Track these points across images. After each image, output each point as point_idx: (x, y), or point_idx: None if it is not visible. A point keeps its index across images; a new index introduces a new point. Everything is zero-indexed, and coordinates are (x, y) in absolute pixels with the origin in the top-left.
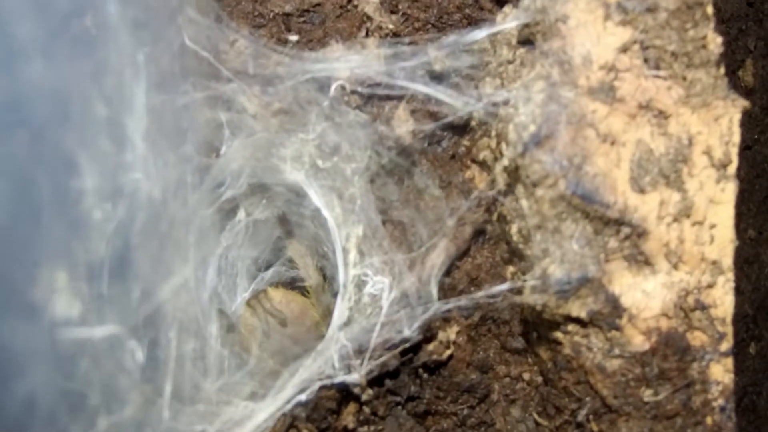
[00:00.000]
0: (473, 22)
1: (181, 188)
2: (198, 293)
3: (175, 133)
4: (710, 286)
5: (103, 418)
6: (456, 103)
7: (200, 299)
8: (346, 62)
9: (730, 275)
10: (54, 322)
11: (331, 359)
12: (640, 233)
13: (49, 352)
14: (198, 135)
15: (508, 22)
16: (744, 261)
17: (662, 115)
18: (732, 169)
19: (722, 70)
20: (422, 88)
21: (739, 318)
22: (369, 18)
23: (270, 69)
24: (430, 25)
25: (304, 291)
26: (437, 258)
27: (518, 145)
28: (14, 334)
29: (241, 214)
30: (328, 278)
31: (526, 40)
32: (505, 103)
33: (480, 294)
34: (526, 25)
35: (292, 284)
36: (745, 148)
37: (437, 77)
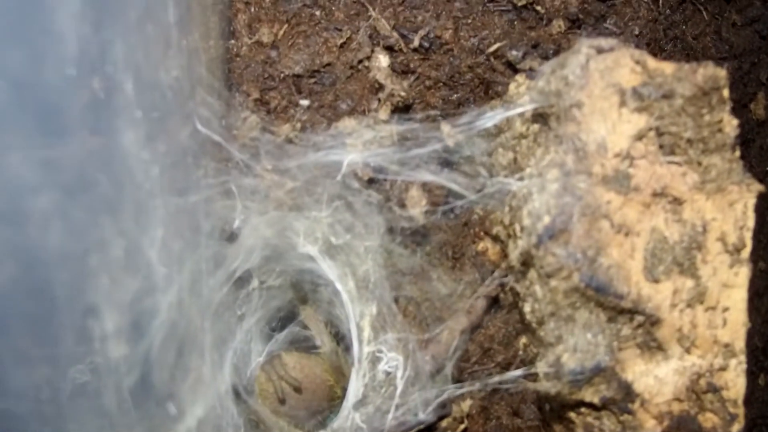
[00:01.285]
0: (484, 83)
1: (196, 282)
2: (216, 387)
3: (191, 231)
4: (722, 368)
5: None
6: (468, 192)
7: (218, 393)
8: (359, 139)
9: (742, 357)
10: None
11: None
12: (653, 321)
13: None
14: (211, 222)
15: (523, 104)
16: (754, 293)
17: (677, 202)
18: (746, 253)
19: (737, 153)
20: (435, 177)
21: (749, 350)
22: (381, 85)
23: (282, 146)
24: (441, 84)
25: (319, 352)
26: (452, 333)
27: (533, 236)
28: None
29: (254, 283)
30: (341, 341)
31: (540, 117)
32: (519, 189)
33: (495, 380)
34: (541, 107)
35: (307, 344)
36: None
37: (449, 163)
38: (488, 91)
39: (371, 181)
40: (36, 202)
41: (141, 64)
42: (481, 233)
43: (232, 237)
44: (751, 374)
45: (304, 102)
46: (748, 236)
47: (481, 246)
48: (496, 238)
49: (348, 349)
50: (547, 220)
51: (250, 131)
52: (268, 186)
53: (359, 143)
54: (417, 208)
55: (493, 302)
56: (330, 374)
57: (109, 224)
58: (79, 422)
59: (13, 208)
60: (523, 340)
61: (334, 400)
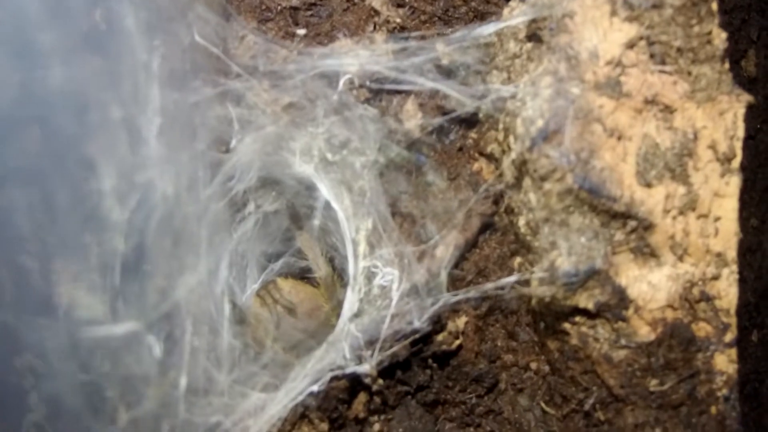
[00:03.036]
0: (479, 15)
1: (193, 184)
2: (211, 287)
3: (187, 131)
4: (715, 277)
5: (123, 413)
6: (464, 97)
7: (213, 293)
8: (355, 57)
9: (734, 267)
10: (77, 322)
11: (342, 350)
12: (646, 226)
13: (72, 352)
14: (208, 131)
15: (516, 17)
16: (747, 250)
17: (668, 110)
18: (736, 162)
19: (727, 65)
20: (430, 83)
21: (741, 306)
22: (376, 12)
23: (279, 64)
24: (436, 18)
25: (313, 282)
26: (446, 250)
27: (526, 140)
28: (40, 335)
29: (250, 207)
30: (337, 269)
31: (533, 35)
32: (513, 97)
33: (489, 286)
34: (534, 20)
35: (302, 275)
36: (747, 138)
37: (445, 72)
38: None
39: (368, 96)
40: (43, 40)
41: None
42: (476, 154)
43: (228, 150)
44: (744, 330)
45: (301, 31)
46: (738, 146)
47: (476, 166)
48: (490, 157)
49: (343, 276)
50: (540, 123)
51: (248, 51)
52: (264, 101)
53: (356, 60)
54: (412, 121)
55: (488, 221)
56: (325, 300)
57: (109, 89)
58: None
59: (21, 40)
60: (518, 259)
61: (328, 325)
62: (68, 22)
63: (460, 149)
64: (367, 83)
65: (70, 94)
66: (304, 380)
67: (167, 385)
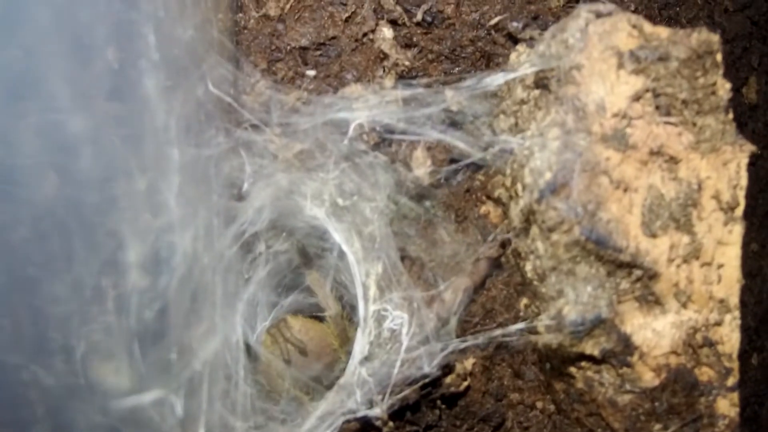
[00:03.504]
0: (485, 56)
1: (208, 235)
2: (227, 337)
3: (203, 184)
4: (717, 323)
5: None
6: (471, 149)
7: (228, 342)
8: (365, 104)
9: (737, 313)
10: (107, 395)
11: (354, 394)
12: (651, 275)
13: (105, 425)
14: (222, 180)
15: (524, 68)
16: (747, 274)
17: (673, 161)
18: (739, 211)
19: (731, 116)
20: (440, 135)
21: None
22: (385, 54)
23: (289, 110)
24: (443, 57)
25: (323, 319)
26: (455, 295)
27: (534, 191)
28: (76, 413)
29: (261, 247)
30: (346, 307)
31: (541, 83)
32: (520, 147)
33: (497, 332)
34: (541, 71)
35: (311, 312)
36: (749, 164)
37: (453, 122)
38: (489, 63)
39: (378, 143)
40: (71, 126)
41: (161, 17)
42: (483, 197)
43: (241, 197)
44: (744, 354)
45: (311, 72)
46: (741, 195)
47: (483, 209)
48: (497, 201)
49: (352, 315)
50: (548, 175)
51: (260, 96)
52: (276, 148)
53: (365, 106)
54: (422, 169)
55: (495, 264)
56: (335, 338)
57: (133, 159)
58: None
59: (49, 124)
60: (524, 300)
61: (338, 364)
62: (89, 92)
63: (468, 191)
64: (377, 129)
65: (96, 166)
66: (318, 423)
67: None
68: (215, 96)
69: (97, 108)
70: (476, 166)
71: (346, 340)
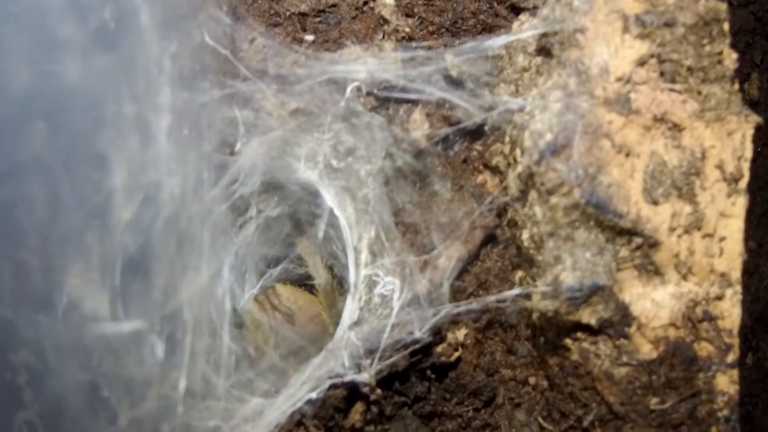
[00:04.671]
0: (487, 28)
1: (199, 185)
2: (213, 289)
3: (195, 131)
4: (718, 297)
5: (124, 413)
6: (472, 108)
7: (215, 295)
8: (364, 64)
9: (738, 288)
10: (84, 318)
11: (342, 358)
12: (651, 244)
13: (74, 349)
14: (215, 132)
15: (526, 31)
16: (744, 272)
17: (676, 128)
18: (743, 183)
19: (736, 86)
20: (439, 92)
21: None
22: (385, 21)
23: (287, 68)
24: (444, 30)
25: (312, 290)
26: (449, 261)
27: (534, 153)
28: (39, 331)
29: (252, 211)
30: (336, 278)
31: (543, 49)
32: (521, 110)
33: (492, 298)
34: (544, 35)
35: (301, 282)
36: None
37: (454, 83)
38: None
39: (375, 104)
40: (59, 33)
41: None
42: (480, 166)
43: (233, 153)
44: (740, 353)
45: (309, 38)
46: (745, 167)
47: (480, 178)
48: (495, 170)
49: (343, 286)
50: (549, 136)
51: (257, 54)
52: (272, 106)
53: (364, 66)
54: (419, 131)
55: (491, 234)
56: (324, 309)
57: (124, 85)
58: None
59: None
60: (520, 273)
61: (326, 335)
62: (83, 17)
63: (465, 161)
64: (375, 91)
65: (85, 89)
66: (303, 387)
67: (167, 386)
68: (211, 48)
69: (89, 30)
70: (474, 135)
71: (335, 312)
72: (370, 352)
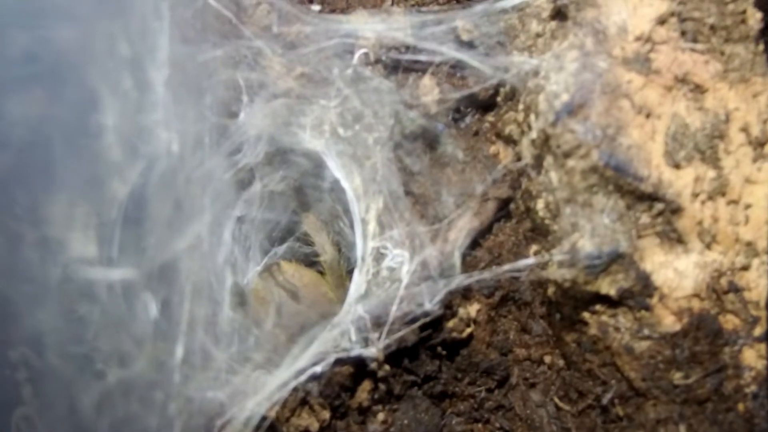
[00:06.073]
0: None
1: (198, 147)
2: (213, 257)
3: (195, 89)
4: (744, 268)
5: (113, 370)
6: (484, 68)
7: (215, 262)
8: (373, 27)
9: (765, 258)
10: (69, 259)
11: (348, 331)
12: (673, 210)
13: (61, 290)
14: (216, 95)
15: None
16: None
17: (699, 90)
18: None
19: (761, 46)
20: (450, 52)
21: None
22: None
23: (294, 33)
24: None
25: (318, 268)
26: (460, 233)
27: (549, 115)
28: (27, 268)
29: (256, 185)
30: (344, 255)
31: (558, 13)
32: (535, 73)
33: (506, 267)
34: None
35: (307, 262)
36: None
37: (465, 44)
38: None
39: (383, 72)
40: None
41: None
42: (493, 137)
43: (235, 118)
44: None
45: (316, 7)
46: None
47: (492, 149)
48: (508, 140)
49: (349, 264)
50: (565, 96)
51: (263, 17)
52: (276, 70)
53: (372, 30)
54: (429, 96)
55: (504, 206)
56: (330, 288)
57: (119, 25)
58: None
59: None
60: (534, 247)
61: (332, 314)
62: None
63: (476, 133)
64: (383, 58)
65: (76, 18)
66: (306, 360)
67: (162, 351)
68: (215, 9)
69: None
70: (485, 107)
71: (342, 290)
72: (378, 326)
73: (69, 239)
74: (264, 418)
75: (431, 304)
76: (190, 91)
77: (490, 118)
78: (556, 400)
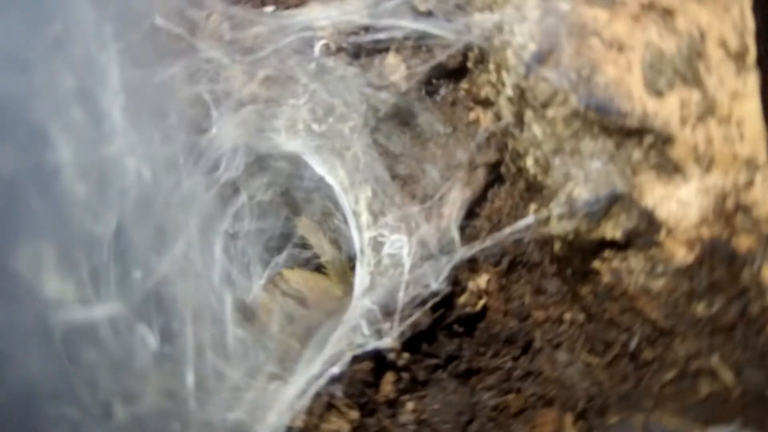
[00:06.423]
0: None
1: (172, 169)
2: (207, 277)
3: (157, 111)
4: (748, 185)
5: (119, 408)
6: (447, 34)
7: (211, 282)
8: (327, 15)
9: (767, 170)
10: (45, 303)
11: (360, 326)
12: (665, 139)
13: (43, 335)
14: (182, 113)
15: None
16: None
17: (667, 13)
18: (751, 59)
19: None
20: (411, 25)
21: None
22: None
23: (250, 37)
24: None
25: (322, 270)
26: (453, 206)
27: (520, 68)
28: (5, 317)
29: (242, 198)
30: (344, 251)
31: None
32: (499, 29)
33: (506, 231)
34: None
35: (309, 265)
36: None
37: (423, 14)
38: None
39: (346, 60)
40: None
41: None
42: (470, 104)
43: (206, 134)
44: None
45: (270, 9)
46: (750, 40)
47: (472, 116)
48: (486, 103)
49: (352, 259)
50: (532, 46)
51: (215, 29)
52: (240, 78)
53: (329, 19)
54: (397, 74)
55: (494, 171)
56: (335, 285)
57: (60, 61)
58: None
59: None
60: (533, 206)
61: (342, 311)
62: None
63: (453, 103)
64: (344, 45)
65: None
66: (321, 364)
67: (170, 380)
68: (165, 27)
69: None
70: (457, 75)
71: (348, 286)
72: (389, 315)
73: (41, 279)
74: (290, 429)
75: (438, 283)
76: (151, 114)
77: (464, 85)
78: (584, 355)
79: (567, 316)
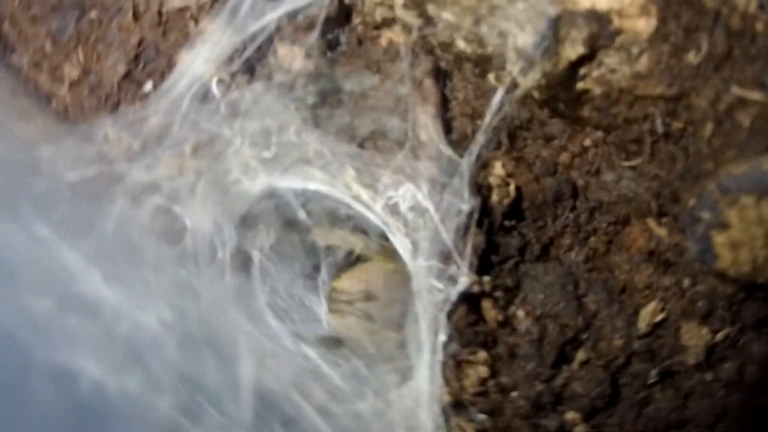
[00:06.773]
0: None
1: (183, 292)
2: (278, 343)
3: (134, 250)
4: None
5: None
6: None
7: (283, 347)
8: (201, 56)
9: None
10: None
11: (432, 286)
12: None
13: None
14: (149, 232)
15: None
16: None
17: None
18: None
19: None
20: (274, 13)
21: None
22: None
23: (154, 126)
24: None
25: (363, 260)
26: (427, 127)
27: None
28: None
29: (256, 258)
30: (370, 233)
31: None
32: None
33: (487, 120)
34: None
35: (348, 264)
36: None
37: None
38: None
39: (246, 79)
40: None
41: None
42: (374, 32)
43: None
44: None
45: (148, 86)
46: None
47: (383, 41)
48: (386, 23)
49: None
50: None
51: (118, 143)
52: (172, 166)
53: (204, 59)
54: (296, 60)
55: (438, 73)
56: (385, 264)
57: None
58: None
59: None
60: (491, 76)
61: (409, 282)
62: None
63: (360, 42)
64: (234, 69)
65: None
66: (428, 336)
67: None
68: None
69: None
70: (345, 18)
71: (395, 257)
72: (447, 258)
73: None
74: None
75: (466, 202)
76: (129, 261)
77: (357, 21)
78: (624, 163)
79: (587, 141)
